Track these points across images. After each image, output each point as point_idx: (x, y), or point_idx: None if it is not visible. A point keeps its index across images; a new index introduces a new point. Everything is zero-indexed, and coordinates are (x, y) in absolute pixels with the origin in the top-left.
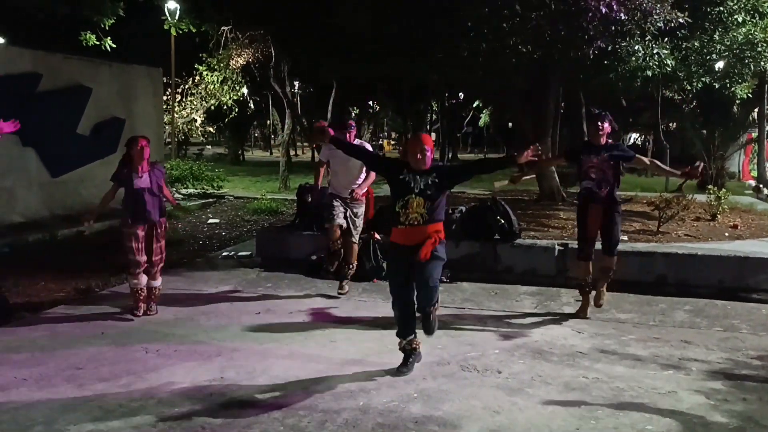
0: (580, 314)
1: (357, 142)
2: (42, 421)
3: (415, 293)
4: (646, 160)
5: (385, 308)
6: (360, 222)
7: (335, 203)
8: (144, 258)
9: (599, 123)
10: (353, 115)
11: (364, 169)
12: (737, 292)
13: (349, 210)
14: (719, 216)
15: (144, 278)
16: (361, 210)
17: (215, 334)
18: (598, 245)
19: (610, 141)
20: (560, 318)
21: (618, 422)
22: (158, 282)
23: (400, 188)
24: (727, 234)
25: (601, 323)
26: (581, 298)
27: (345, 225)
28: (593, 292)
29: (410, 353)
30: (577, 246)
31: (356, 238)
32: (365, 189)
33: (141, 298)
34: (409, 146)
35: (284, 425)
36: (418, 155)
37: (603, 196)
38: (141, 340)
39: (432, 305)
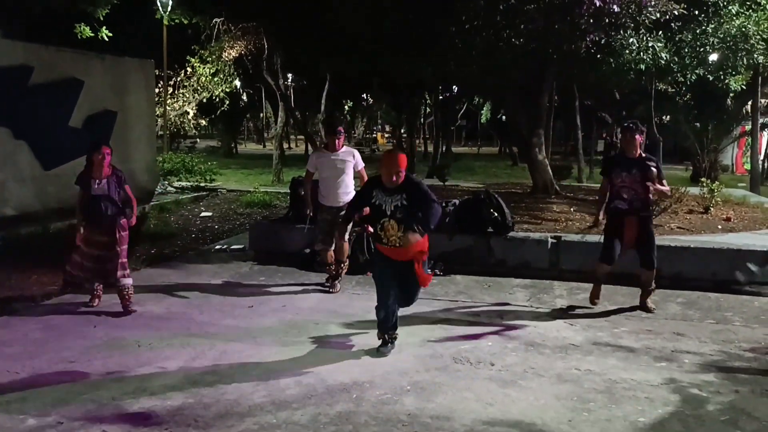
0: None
1: (344, 148)
2: (35, 414)
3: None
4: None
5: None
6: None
7: (322, 223)
8: (82, 263)
9: (632, 135)
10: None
11: (351, 174)
12: (730, 284)
13: (338, 218)
14: (712, 209)
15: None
16: None
17: (208, 327)
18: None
19: (643, 154)
20: (553, 310)
21: (610, 414)
22: (128, 281)
23: (375, 212)
24: (720, 227)
25: (595, 317)
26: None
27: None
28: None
29: (387, 342)
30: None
31: (346, 237)
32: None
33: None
34: (383, 162)
35: (277, 418)
36: (393, 177)
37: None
38: (133, 333)
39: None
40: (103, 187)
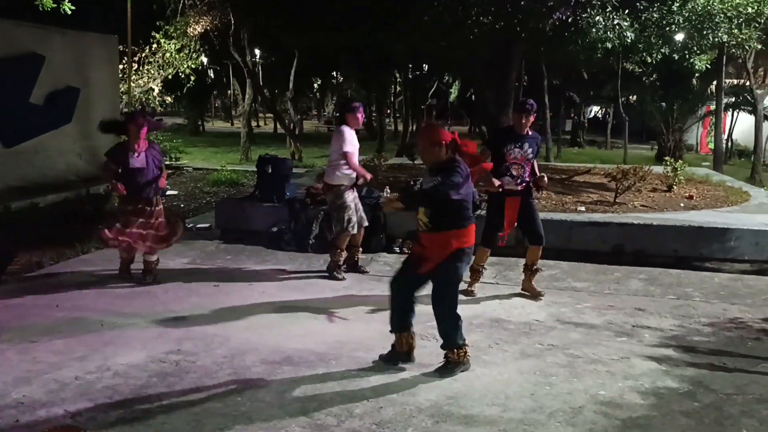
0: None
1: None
2: None
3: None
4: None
5: (349, 281)
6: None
7: (351, 203)
8: (127, 238)
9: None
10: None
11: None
12: (692, 261)
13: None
14: (675, 187)
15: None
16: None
17: (173, 306)
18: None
19: (530, 132)
20: (518, 287)
21: (572, 387)
22: (155, 257)
23: None
24: (682, 204)
25: (558, 292)
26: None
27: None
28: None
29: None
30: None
31: (365, 222)
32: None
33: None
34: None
35: (242, 396)
36: (424, 152)
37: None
38: (97, 312)
39: (446, 344)
40: (142, 159)
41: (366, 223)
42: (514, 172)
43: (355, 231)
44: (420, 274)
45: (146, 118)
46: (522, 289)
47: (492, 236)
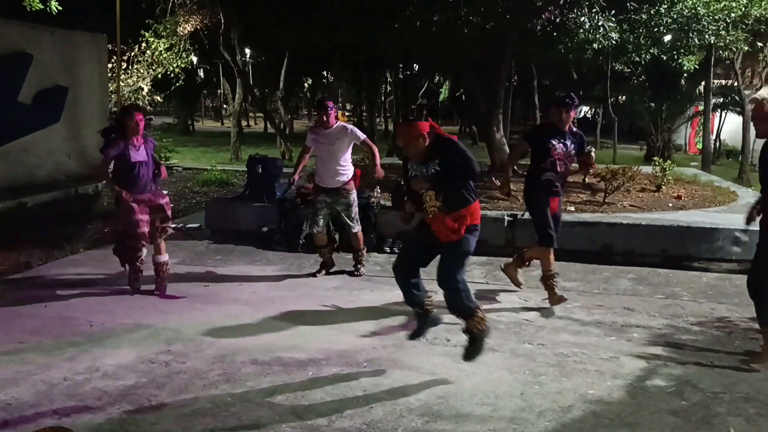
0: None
1: (337, 123)
2: None
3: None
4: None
5: (339, 281)
6: (355, 210)
7: (319, 205)
8: (146, 229)
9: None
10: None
11: (349, 152)
12: (680, 260)
13: (338, 205)
14: (664, 187)
15: (144, 250)
16: (352, 197)
17: (163, 306)
18: None
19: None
20: (508, 287)
21: (561, 387)
22: (165, 257)
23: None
24: (671, 204)
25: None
26: (548, 291)
27: (325, 230)
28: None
29: (423, 317)
30: (543, 234)
31: (357, 227)
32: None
33: (141, 269)
34: (397, 136)
35: (232, 396)
36: (406, 145)
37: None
38: (86, 313)
39: (463, 312)
40: (143, 153)
41: (356, 230)
42: (559, 169)
43: (316, 231)
44: (424, 258)
45: (143, 111)
46: (503, 269)
47: (551, 235)
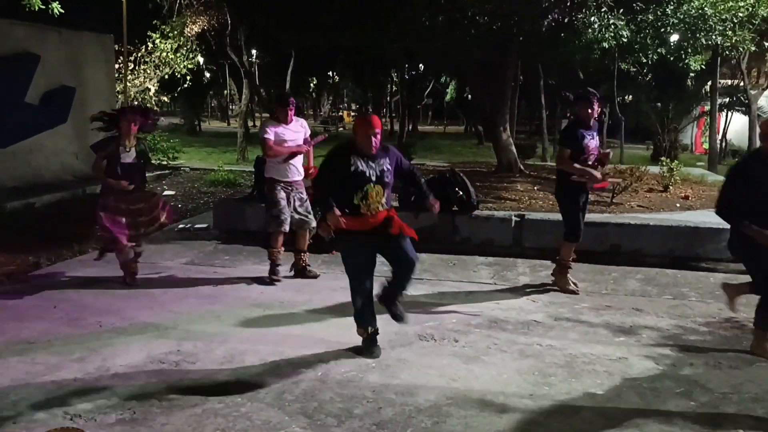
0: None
1: (294, 120)
2: None
3: (393, 271)
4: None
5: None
6: (309, 204)
7: (281, 200)
8: (127, 232)
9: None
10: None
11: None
12: (688, 261)
13: (296, 198)
14: (671, 187)
15: (131, 252)
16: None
17: (172, 306)
18: None
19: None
20: (516, 287)
21: (570, 387)
22: (142, 247)
23: (355, 179)
24: (678, 205)
25: (556, 292)
26: (562, 279)
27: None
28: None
29: (372, 337)
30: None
31: (313, 223)
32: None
33: (132, 268)
34: (359, 127)
35: (242, 396)
36: (372, 140)
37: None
38: (95, 313)
39: (409, 283)
40: (132, 154)
41: (313, 225)
42: (591, 164)
43: (281, 229)
44: (373, 260)
45: (138, 115)
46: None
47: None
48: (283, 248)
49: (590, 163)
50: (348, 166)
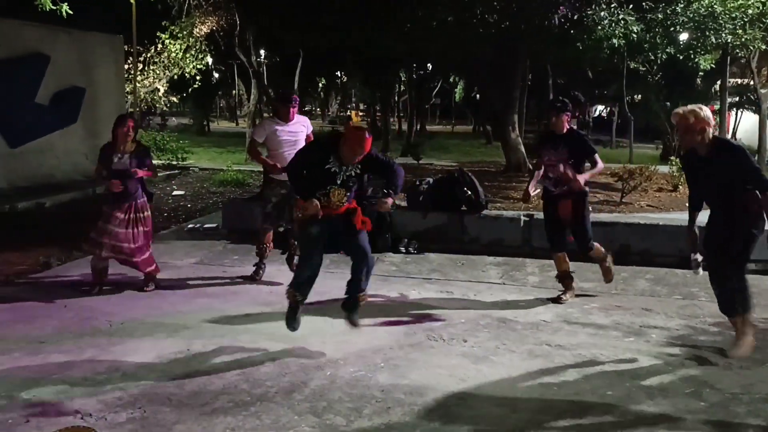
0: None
1: (296, 117)
2: (4, 395)
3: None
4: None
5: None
6: None
7: (274, 197)
8: (107, 240)
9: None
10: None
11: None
12: None
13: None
14: (681, 187)
15: (106, 263)
16: None
17: (181, 306)
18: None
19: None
20: (525, 287)
21: (579, 388)
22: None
23: (324, 177)
24: (688, 204)
25: None
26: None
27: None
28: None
29: (298, 306)
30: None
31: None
32: None
33: (101, 278)
34: (349, 140)
35: (251, 396)
36: (356, 156)
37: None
38: (105, 313)
39: (370, 274)
40: (125, 162)
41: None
42: (551, 174)
43: (271, 225)
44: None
45: (134, 121)
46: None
47: (550, 240)
48: (272, 244)
49: (550, 175)
50: (325, 163)
